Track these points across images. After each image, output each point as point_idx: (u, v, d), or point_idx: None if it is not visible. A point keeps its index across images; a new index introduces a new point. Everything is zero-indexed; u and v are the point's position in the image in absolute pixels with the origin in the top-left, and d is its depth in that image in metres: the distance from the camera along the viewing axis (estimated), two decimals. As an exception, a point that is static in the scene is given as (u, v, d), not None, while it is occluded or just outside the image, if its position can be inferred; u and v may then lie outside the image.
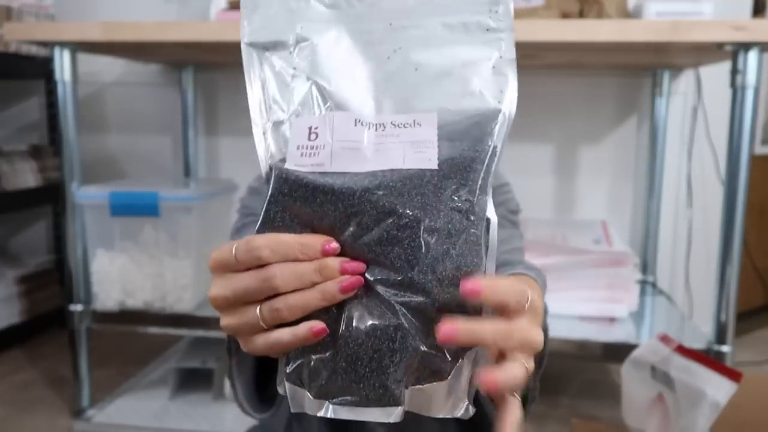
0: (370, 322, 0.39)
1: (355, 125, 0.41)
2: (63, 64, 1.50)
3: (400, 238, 0.39)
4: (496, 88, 0.42)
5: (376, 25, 0.44)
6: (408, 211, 0.39)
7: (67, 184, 1.54)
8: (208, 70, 2.05)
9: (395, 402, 0.40)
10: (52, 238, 2.29)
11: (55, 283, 2.20)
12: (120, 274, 1.56)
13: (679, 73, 1.89)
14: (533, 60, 1.67)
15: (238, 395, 0.61)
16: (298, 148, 0.41)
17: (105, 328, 1.59)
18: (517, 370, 0.39)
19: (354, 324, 0.39)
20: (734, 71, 1.28)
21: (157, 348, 1.98)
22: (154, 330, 1.58)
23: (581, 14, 1.60)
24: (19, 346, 2.07)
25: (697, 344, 1.35)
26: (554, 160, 1.96)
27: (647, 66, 1.85)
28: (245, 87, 0.44)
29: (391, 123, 0.41)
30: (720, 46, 1.27)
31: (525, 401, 0.64)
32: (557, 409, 1.66)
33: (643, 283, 1.87)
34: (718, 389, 1.16)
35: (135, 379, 1.80)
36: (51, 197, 2.11)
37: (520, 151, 1.95)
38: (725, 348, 1.35)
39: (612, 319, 1.51)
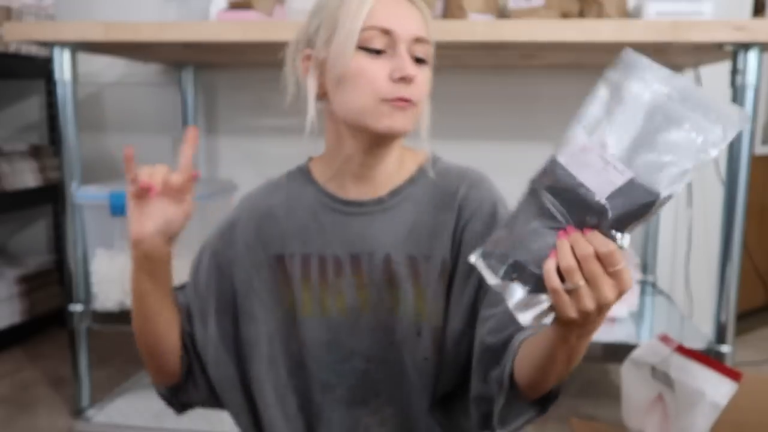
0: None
1: None
2: (63, 64, 1.50)
3: None
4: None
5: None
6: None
7: (67, 184, 1.54)
8: (208, 70, 2.05)
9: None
10: (52, 238, 2.29)
11: (55, 283, 2.20)
12: (120, 274, 1.55)
13: (679, 73, 1.88)
14: (533, 60, 1.66)
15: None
16: None
17: (105, 328, 1.59)
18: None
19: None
20: (734, 71, 1.28)
21: (157, 348, 1.98)
22: (154, 330, 1.58)
23: (581, 14, 1.60)
24: (19, 346, 2.07)
25: (697, 344, 1.35)
26: (554, 160, 1.95)
27: (647, 66, 1.84)
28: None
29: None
30: (720, 46, 1.27)
31: (548, 400, 0.67)
32: (557, 409, 1.65)
33: (643, 283, 1.87)
34: (718, 389, 1.16)
35: (135, 379, 1.80)
36: (51, 197, 2.11)
37: (520, 151, 1.94)
38: (725, 348, 1.35)
39: (612, 319, 1.51)
